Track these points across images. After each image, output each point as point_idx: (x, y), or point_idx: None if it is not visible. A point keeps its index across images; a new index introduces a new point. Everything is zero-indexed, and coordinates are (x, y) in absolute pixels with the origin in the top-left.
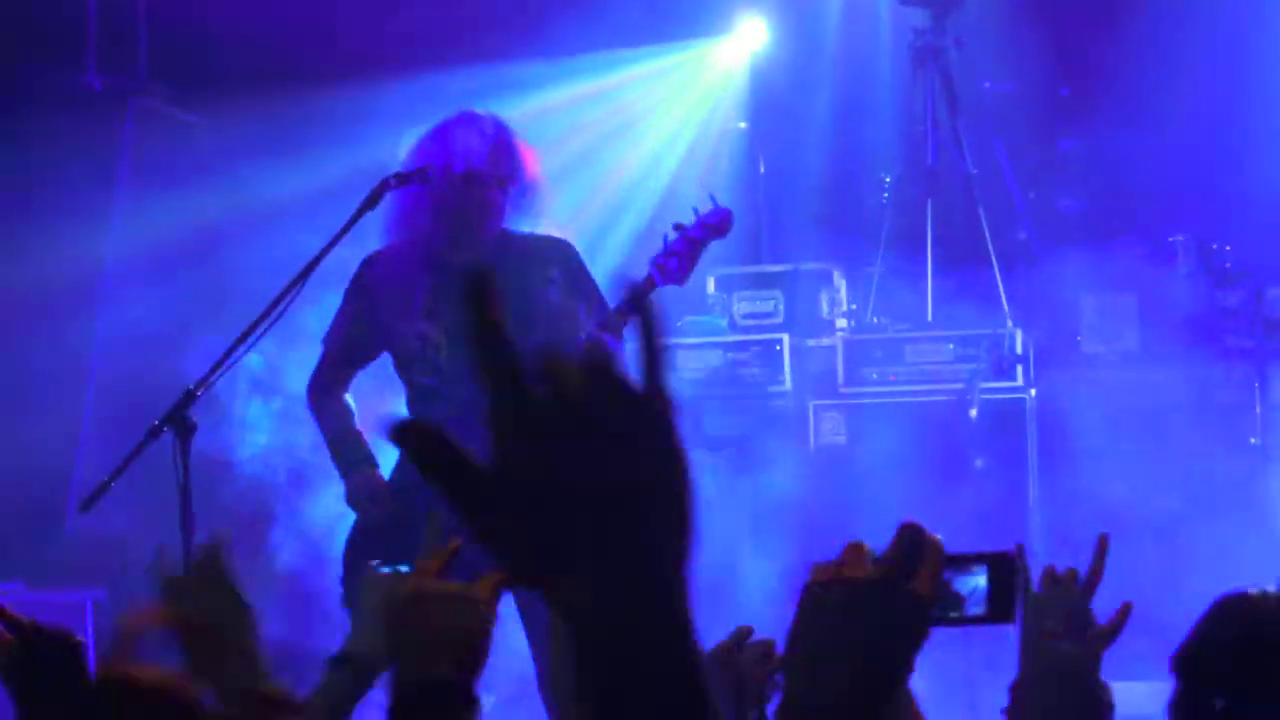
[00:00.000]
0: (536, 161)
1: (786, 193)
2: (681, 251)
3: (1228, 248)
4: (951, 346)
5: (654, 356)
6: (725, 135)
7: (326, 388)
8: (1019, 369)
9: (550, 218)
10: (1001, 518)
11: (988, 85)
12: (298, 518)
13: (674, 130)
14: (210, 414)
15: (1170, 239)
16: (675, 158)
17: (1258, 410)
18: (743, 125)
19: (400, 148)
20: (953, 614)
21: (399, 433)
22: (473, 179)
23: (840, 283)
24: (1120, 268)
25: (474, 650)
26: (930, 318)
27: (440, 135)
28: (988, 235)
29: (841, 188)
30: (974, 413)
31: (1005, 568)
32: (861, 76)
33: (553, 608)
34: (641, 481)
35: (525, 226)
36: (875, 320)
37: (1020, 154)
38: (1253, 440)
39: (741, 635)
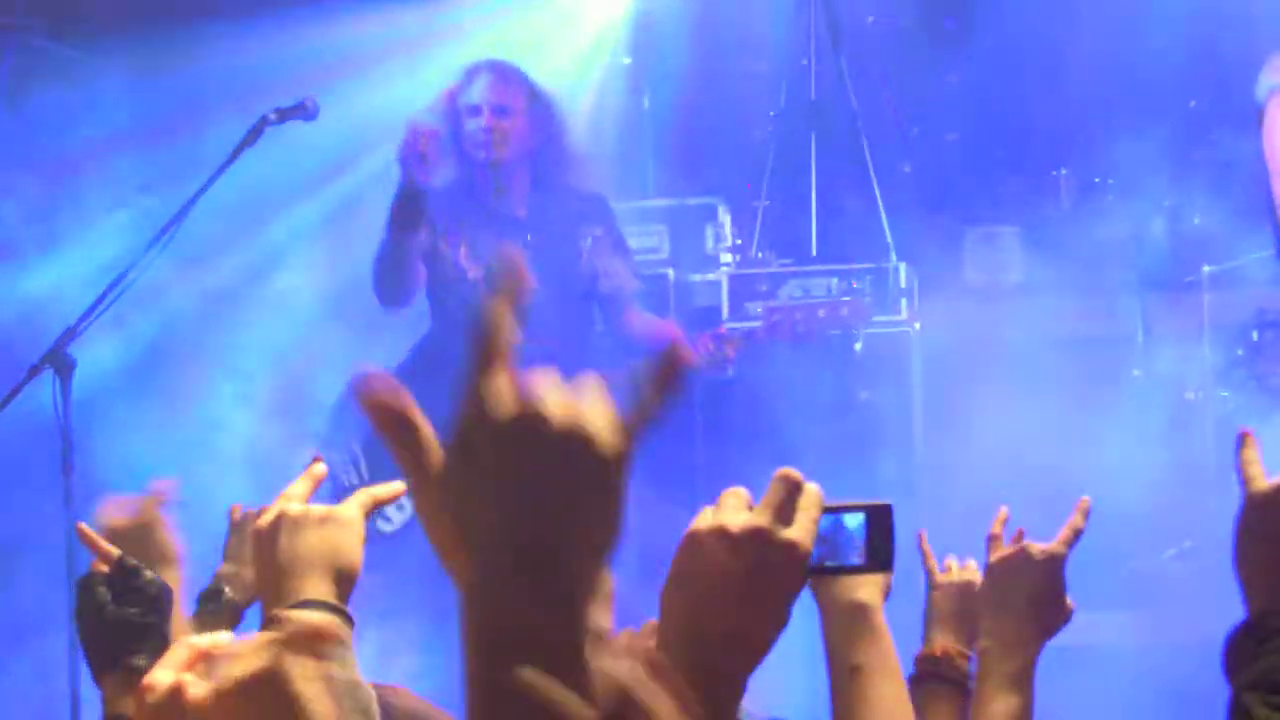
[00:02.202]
0: (565, 111)
1: (671, 128)
2: None
3: (1110, 181)
4: (836, 280)
5: (651, 406)
6: (609, 71)
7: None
8: (903, 302)
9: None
10: (886, 450)
11: (871, 19)
12: None
13: (556, 68)
14: None
15: (1053, 172)
16: (557, 96)
17: (1140, 342)
18: (626, 61)
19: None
20: (830, 563)
21: (371, 396)
22: (506, 123)
23: (725, 218)
24: (1004, 201)
25: (344, 571)
26: (815, 252)
27: (471, 81)
28: (871, 169)
29: (726, 123)
30: (859, 346)
31: (883, 517)
32: (746, 10)
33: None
34: (578, 520)
35: (560, 174)
36: (759, 255)
37: (904, 88)
38: (1135, 372)
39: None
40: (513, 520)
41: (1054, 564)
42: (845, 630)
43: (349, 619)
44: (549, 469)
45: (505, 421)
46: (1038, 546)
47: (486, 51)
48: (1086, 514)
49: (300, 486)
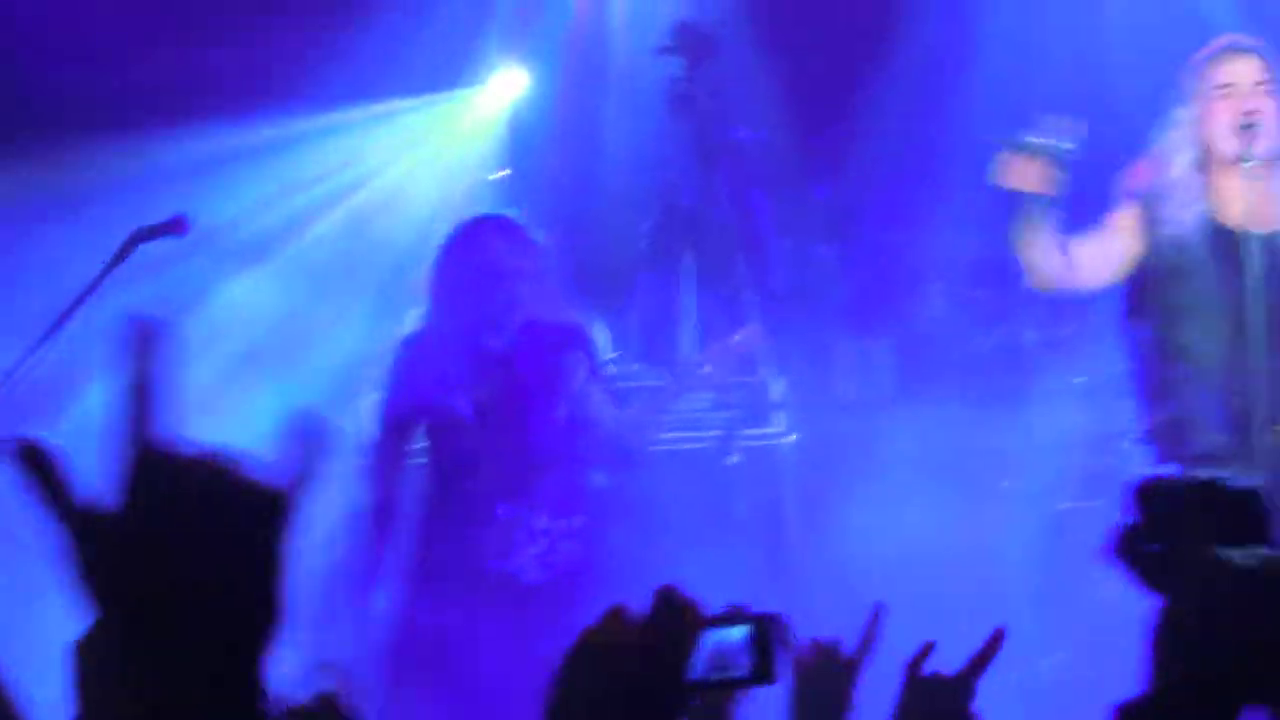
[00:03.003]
0: (552, 254)
1: (547, 241)
2: None
3: (982, 292)
4: (710, 394)
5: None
6: (485, 185)
7: (383, 461)
8: (777, 415)
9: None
10: (762, 564)
11: (742, 134)
12: None
13: (432, 183)
14: None
15: (925, 284)
16: (434, 211)
17: (1013, 453)
18: (502, 174)
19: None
20: (714, 676)
21: (21, 451)
22: (501, 275)
23: (600, 331)
24: (876, 313)
25: None
26: None
27: (465, 238)
28: (744, 282)
29: (601, 236)
30: (733, 460)
31: (767, 629)
32: (620, 124)
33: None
34: (227, 570)
35: (547, 314)
36: (635, 368)
37: (775, 201)
38: (1005, 484)
39: None
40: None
41: (964, 689)
42: None
43: None
44: None
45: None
46: (947, 674)
47: (360, 159)
48: (999, 641)
49: None
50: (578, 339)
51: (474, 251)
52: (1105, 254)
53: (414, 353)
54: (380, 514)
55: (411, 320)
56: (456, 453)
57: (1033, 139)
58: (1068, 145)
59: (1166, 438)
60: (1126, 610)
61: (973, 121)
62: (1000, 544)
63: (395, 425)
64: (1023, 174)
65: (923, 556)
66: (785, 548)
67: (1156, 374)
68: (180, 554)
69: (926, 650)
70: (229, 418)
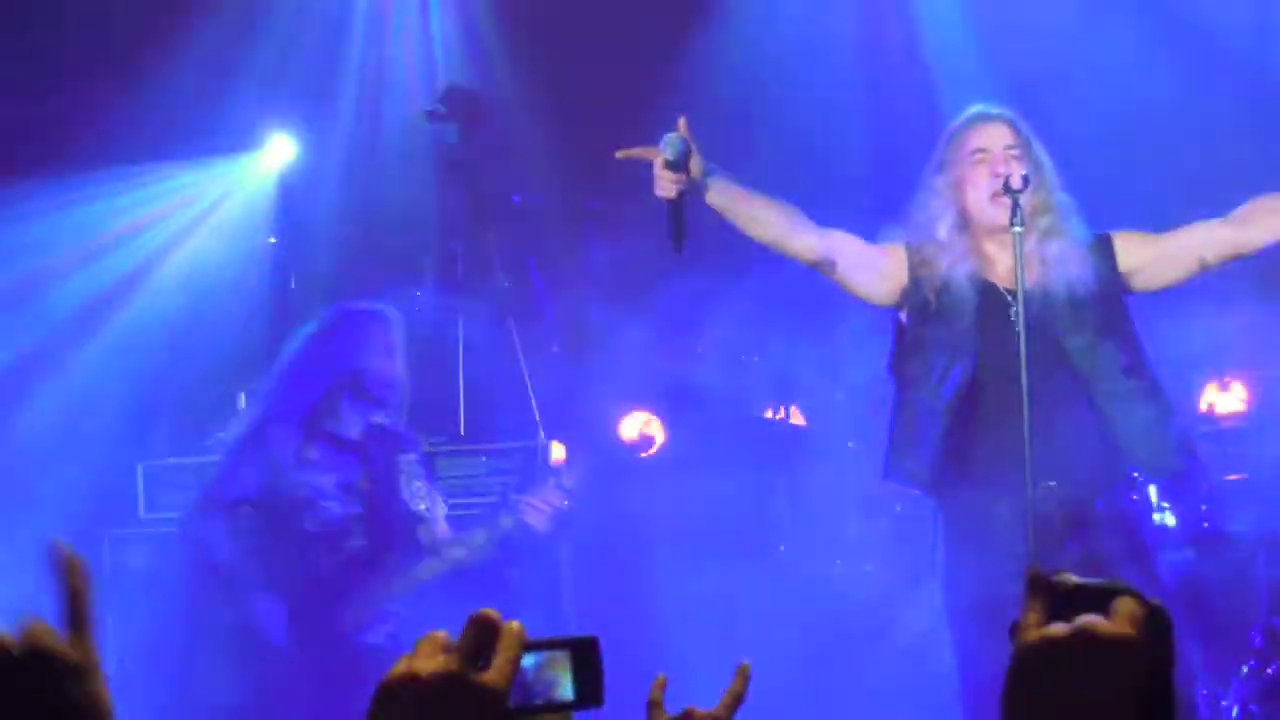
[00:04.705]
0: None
1: (318, 310)
2: None
3: (756, 358)
4: (485, 459)
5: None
6: (255, 252)
7: (227, 529)
8: (554, 479)
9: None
10: (538, 628)
11: (517, 198)
12: None
13: (201, 248)
14: None
15: (699, 349)
16: (202, 277)
17: (786, 518)
18: (272, 240)
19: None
20: (537, 701)
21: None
22: (363, 375)
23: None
24: (651, 378)
25: None
26: (463, 431)
27: (341, 328)
28: (519, 346)
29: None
30: (508, 522)
31: (589, 651)
32: (391, 190)
33: None
34: None
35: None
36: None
37: (551, 265)
38: (781, 548)
39: None
40: None
41: None
42: None
43: None
44: None
45: None
46: (701, 712)
47: (127, 240)
48: (747, 678)
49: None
50: (410, 441)
51: (368, 334)
52: (868, 259)
53: (271, 431)
54: (225, 578)
55: (258, 398)
56: (309, 528)
57: (659, 151)
58: (670, 152)
59: (889, 455)
60: (903, 672)
61: (751, 179)
62: (777, 604)
63: (233, 499)
64: (662, 183)
65: (697, 620)
66: (560, 611)
67: (895, 398)
68: None
69: (660, 684)
70: None
